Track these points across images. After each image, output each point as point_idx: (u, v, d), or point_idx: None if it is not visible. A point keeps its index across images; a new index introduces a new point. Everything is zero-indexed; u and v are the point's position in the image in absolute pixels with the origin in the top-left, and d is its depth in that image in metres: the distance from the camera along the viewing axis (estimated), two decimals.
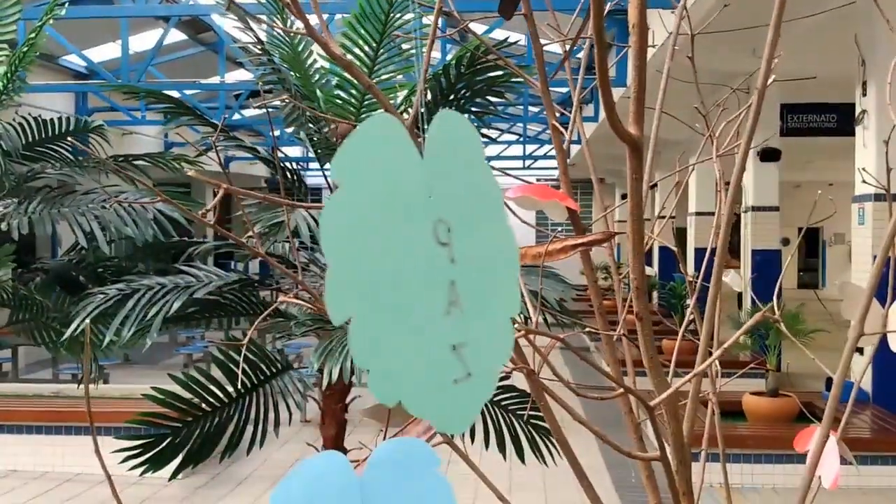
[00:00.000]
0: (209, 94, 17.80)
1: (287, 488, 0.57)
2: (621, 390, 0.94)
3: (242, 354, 2.08)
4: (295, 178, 3.48)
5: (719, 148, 1.55)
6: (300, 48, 2.83)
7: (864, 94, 7.73)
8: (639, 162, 0.83)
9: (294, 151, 23.38)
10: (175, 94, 15.50)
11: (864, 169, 7.11)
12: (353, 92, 2.75)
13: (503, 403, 3.02)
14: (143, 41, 13.95)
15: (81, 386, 9.42)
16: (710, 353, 1.37)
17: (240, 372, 2.11)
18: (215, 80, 15.95)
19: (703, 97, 1.57)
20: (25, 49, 3.71)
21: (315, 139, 2.88)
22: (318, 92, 2.83)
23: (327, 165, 3.29)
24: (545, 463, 2.97)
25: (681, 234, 14.60)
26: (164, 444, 2.29)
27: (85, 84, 14.05)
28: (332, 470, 0.57)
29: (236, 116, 17.84)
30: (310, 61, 2.91)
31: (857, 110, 7.85)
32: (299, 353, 10.74)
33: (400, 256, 0.52)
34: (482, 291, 0.53)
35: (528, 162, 23.81)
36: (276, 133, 19.74)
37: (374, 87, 0.83)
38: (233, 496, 6.84)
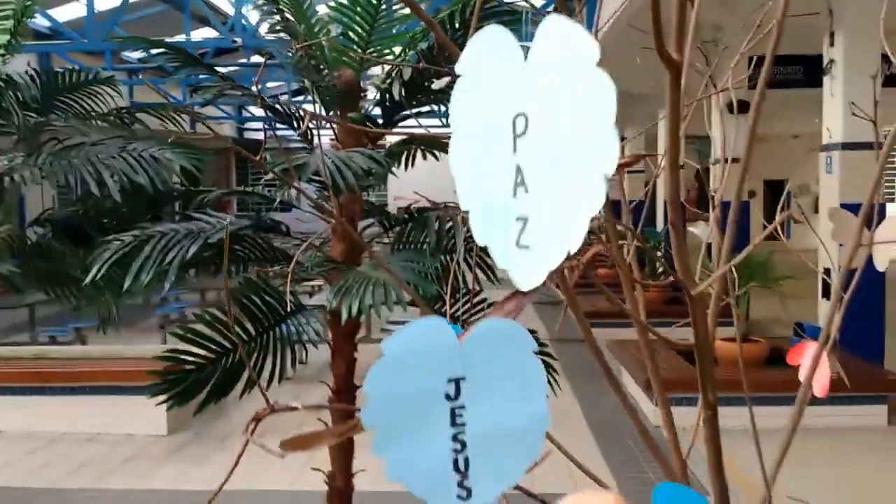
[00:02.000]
0: None
1: (398, 341, 0.67)
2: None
3: (288, 308, 2.16)
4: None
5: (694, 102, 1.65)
6: None
7: (832, 45, 7.87)
8: (678, 87, 0.90)
9: (259, 110, 23.12)
10: (140, 53, 15.29)
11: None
12: (357, 40, 2.82)
13: None
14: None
15: (61, 347, 9.42)
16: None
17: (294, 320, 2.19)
18: (181, 38, 15.73)
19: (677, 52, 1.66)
20: (29, 2, 3.74)
21: (320, 87, 2.94)
22: (323, 42, 2.90)
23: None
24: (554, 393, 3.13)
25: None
26: (189, 380, 2.38)
27: (54, 44, 13.79)
28: (440, 333, 0.67)
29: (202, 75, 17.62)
30: (311, 10, 2.96)
31: (825, 60, 7.99)
32: None
33: (492, 140, 0.65)
34: (549, 181, 0.63)
35: None
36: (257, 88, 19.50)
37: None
38: (217, 452, 6.92)
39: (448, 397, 0.66)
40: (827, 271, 7.86)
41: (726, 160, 1.79)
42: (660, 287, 11.09)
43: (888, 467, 6.31)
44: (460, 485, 0.66)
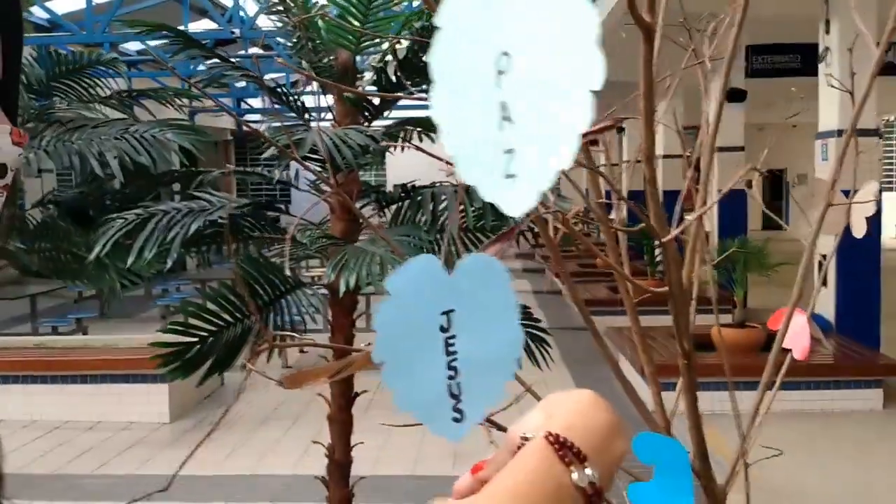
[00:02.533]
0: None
1: (399, 278, 0.73)
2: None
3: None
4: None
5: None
6: None
7: (828, 33, 7.91)
8: (651, 48, 0.93)
9: (257, 103, 23.12)
10: (138, 45, 15.31)
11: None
12: (354, 21, 2.87)
13: None
14: None
15: (62, 337, 9.48)
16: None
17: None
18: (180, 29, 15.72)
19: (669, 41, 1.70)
20: None
21: (318, 69, 3.00)
22: (319, 22, 2.95)
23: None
24: (539, 368, 3.21)
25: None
26: (193, 351, 2.44)
27: (53, 36, 13.83)
28: (432, 267, 0.73)
29: (200, 67, 17.63)
30: None
31: (821, 48, 8.04)
32: None
33: (474, 83, 0.67)
34: (535, 107, 0.66)
35: None
36: (242, 85, 19.54)
37: None
38: (219, 437, 6.97)
39: (442, 329, 0.72)
40: (823, 258, 7.91)
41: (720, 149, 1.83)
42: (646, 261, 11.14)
43: (883, 450, 6.37)
44: (455, 408, 0.73)
